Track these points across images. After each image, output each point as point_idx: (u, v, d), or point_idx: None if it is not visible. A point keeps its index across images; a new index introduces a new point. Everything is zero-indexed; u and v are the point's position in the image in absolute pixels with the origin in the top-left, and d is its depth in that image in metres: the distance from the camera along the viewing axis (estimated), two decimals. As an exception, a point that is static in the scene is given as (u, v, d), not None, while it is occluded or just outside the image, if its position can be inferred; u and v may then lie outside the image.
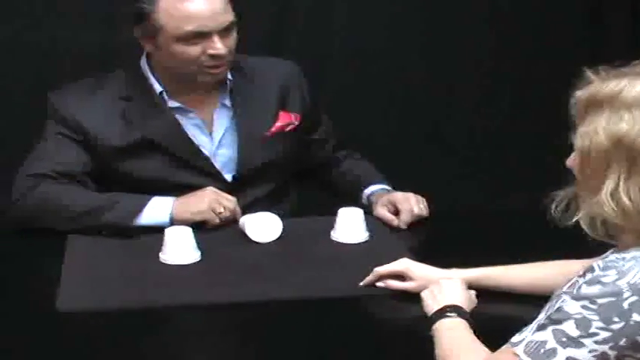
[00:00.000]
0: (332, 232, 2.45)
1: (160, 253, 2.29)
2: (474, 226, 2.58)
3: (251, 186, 2.67)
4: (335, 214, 2.46)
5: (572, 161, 1.72)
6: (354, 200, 2.68)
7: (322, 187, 2.93)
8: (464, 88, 3.80)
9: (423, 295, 2.00)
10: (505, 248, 2.30)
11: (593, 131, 1.63)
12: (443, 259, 2.14)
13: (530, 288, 2.04)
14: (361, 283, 2.16)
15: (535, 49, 3.81)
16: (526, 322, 1.65)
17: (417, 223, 2.55)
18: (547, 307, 1.66)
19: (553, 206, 1.73)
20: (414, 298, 2.05)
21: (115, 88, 2.62)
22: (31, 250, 2.44)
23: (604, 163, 1.63)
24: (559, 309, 1.60)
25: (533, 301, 1.86)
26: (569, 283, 1.64)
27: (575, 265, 1.93)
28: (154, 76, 2.62)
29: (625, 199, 1.60)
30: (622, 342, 1.56)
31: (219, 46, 2.52)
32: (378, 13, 3.65)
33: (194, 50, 2.52)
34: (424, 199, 2.60)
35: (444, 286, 1.99)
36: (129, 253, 2.36)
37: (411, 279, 2.11)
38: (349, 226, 2.43)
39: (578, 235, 1.69)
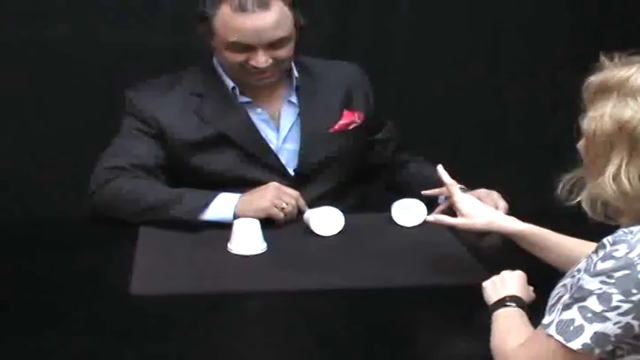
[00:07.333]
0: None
1: (228, 244, 2.40)
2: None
3: (314, 181, 2.76)
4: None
5: (580, 144, 1.79)
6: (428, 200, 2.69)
7: (388, 187, 2.99)
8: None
9: (485, 285, 2.05)
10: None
11: (600, 116, 1.70)
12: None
13: (565, 259, 2.08)
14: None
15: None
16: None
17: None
18: (568, 285, 1.74)
19: (560, 186, 1.81)
20: (473, 290, 2.11)
21: (189, 85, 2.74)
22: (105, 238, 2.56)
23: (608, 147, 1.70)
24: (580, 287, 1.67)
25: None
26: (584, 262, 1.72)
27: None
28: (225, 72, 2.74)
29: (625, 182, 1.68)
30: None
31: (260, 60, 2.63)
32: (438, 21, 3.72)
33: (238, 57, 2.65)
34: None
35: (506, 278, 2.04)
36: (198, 244, 2.47)
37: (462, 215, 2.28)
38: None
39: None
